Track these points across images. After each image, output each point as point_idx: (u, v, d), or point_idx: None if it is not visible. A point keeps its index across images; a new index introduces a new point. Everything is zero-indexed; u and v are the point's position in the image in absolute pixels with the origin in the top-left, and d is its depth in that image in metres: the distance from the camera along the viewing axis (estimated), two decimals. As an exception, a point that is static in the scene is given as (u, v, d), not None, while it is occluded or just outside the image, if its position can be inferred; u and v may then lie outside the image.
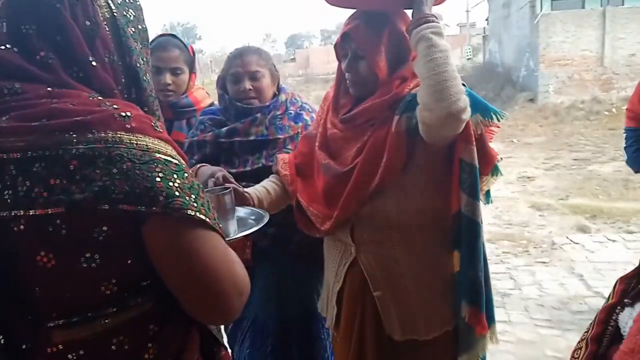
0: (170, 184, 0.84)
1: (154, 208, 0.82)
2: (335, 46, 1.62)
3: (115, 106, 0.86)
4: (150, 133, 0.87)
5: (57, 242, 0.82)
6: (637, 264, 0.99)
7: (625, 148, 2.98)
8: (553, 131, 12.98)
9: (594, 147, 10.73)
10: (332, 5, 1.55)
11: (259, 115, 1.93)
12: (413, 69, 1.47)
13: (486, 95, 17.48)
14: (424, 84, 1.37)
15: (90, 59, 0.90)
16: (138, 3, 1.02)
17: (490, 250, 5.03)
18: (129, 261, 0.87)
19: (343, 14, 1.60)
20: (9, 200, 0.80)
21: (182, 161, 0.91)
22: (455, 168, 1.52)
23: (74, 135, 0.80)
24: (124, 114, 0.85)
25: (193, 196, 0.86)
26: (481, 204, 1.57)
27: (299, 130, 1.96)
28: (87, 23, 0.91)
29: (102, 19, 0.94)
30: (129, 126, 0.85)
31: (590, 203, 6.64)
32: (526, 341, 3.27)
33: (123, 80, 0.96)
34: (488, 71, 20.50)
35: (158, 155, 0.85)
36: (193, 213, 0.85)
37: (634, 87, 2.98)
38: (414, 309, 1.60)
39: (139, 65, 0.98)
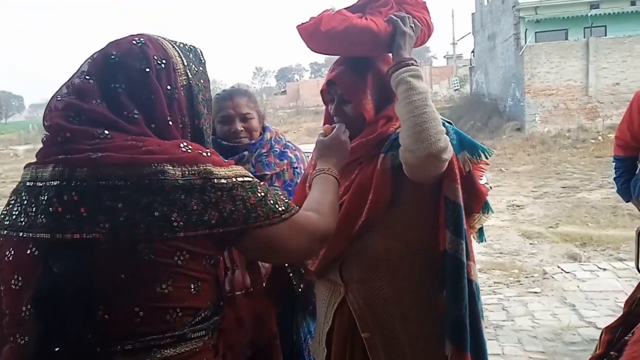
0: (262, 197, 1.02)
1: (254, 222, 1.00)
2: (322, 92, 1.62)
3: (190, 146, 0.99)
4: (224, 163, 1.01)
5: (140, 266, 0.90)
6: (628, 293, 0.96)
7: (615, 178, 2.99)
8: (541, 159, 13.13)
9: (582, 175, 10.84)
10: (315, 52, 1.57)
11: (246, 153, 1.94)
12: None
13: (474, 125, 17.72)
14: (404, 126, 1.39)
15: (168, 119, 1.02)
16: (207, 75, 1.16)
17: (482, 280, 4.98)
18: (192, 290, 0.97)
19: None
20: (106, 225, 0.88)
21: (250, 174, 1.05)
22: (441, 206, 1.52)
23: (171, 168, 0.92)
24: (204, 152, 0.99)
25: (271, 200, 1.04)
26: (474, 241, 1.55)
27: (285, 167, 1.98)
28: (168, 87, 1.04)
29: (180, 85, 1.07)
30: (211, 160, 0.98)
31: (580, 231, 6.66)
32: (520, 374, 3.21)
33: (189, 139, 1.07)
34: (475, 101, 20.82)
35: (239, 179, 1.00)
36: (281, 215, 1.04)
37: (619, 115, 3.03)
38: (403, 351, 1.56)
39: (204, 127, 1.11)
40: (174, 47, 1.10)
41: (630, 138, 2.79)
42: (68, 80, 1.03)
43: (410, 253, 1.55)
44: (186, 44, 1.14)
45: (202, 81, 1.13)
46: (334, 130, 1.52)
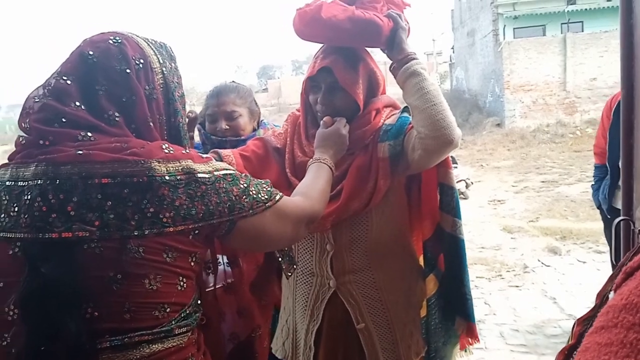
0: (244, 188, 1.04)
1: (239, 213, 1.01)
2: (307, 80, 1.60)
3: (171, 147, 1.00)
4: (203, 159, 1.02)
5: (129, 263, 0.90)
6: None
7: (592, 185, 3.11)
8: (521, 154, 13.29)
9: (561, 169, 11.00)
10: (305, 39, 1.56)
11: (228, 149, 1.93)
12: (382, 102, 1.61)
13: (455, 121, 17.86)
14: (423, 115, 1.42)
15: (149, 119, 1.03)
16: (179, 71, 1.16)
17: (464, 275, 5.03)
18: (179, 287, 0.98)
19: (314, 46, 1.63)
20: (95, 223, 0.88)
21: (231, 167, 1.07)
22: (432, 193, 1.63)
23: (157, 165, 0.93)
24: (184, 151, 1.01)
25: (254, 190, 1.06)
26: None
27: None
28: (147, 87, 1.04)
29: (157, 84, 1.07)
30: (191, 156, 1.00)
31: (560, 224, 6.75)
32: (503, 368, 3.24)
33: (166, 138, 1.09)
34: (456, 98, 20.97)
35: (220, 172, 1.01)
36: (265, 204, 1.06)
37: (596, 110, 3.12)
38: (394, 337, 1.61)
39: (181, 125, 1.12)
40: (148, 45, 1.09)
41: (605, 145, 2.85)
42: (45, 81, 1.01)
43: (395, 240, 1.62)
44: (157, 41, 1.14)
45: (175, 78, 1.13)
46: (336, 122, 1.54)
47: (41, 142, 0.93)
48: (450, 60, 25.60)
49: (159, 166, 0.94)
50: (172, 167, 0.95)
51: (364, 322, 1.59)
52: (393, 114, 1.62)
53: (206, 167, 1.00)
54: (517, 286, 4.62)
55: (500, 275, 4.95)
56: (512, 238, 6.36)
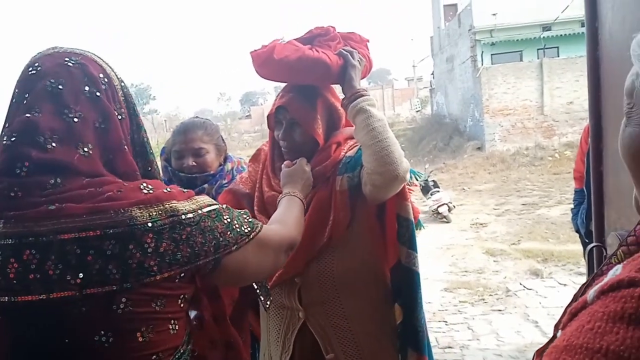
0: (228, 223, 0.99)
1: (224, 250, 0.97)
2: (269, 117, 1.67)
3: (150, 185, 0.93)
4: (186, 195, 0.97)
5: (119, 320, 0.85)
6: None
7: (571, 209, 3.18)
8: (501, 177, 13.45)
9: (541, 192, 11.14)
10: (264, 79, 1.62)
11: (206, 185, 1.92)
12: (343, 135, 1.64)
13: (436, 145, 18.08)
14: (369, 151, 1.46)
15: (123, 142, 0.96)
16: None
17: (448, 300, 5.04)
18: (171, 331, 0.94)
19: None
20: (77, 280, 0.81)
21: (213, 200, 1.02)
22: (391, 223, 1.63)
23: (138, 211, 0.86)
24: (166, 190, 0.94)
25: (237, 223, 1.01)
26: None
27: None
28: (116, 107, 0.97)
29: (122, 100, 0.99)
30: (174, 196, 0.93)
31: (541, 247, 6.82)
32: (487, 394, 3.23)
33: (136, 157, 1.01)
34: (437, 122, 21.27)
35: (204, 210, 0.96)
36: (248, 236, 1.02)
37: (574, 133, 3.20)
38: None
39: (146, 139, 1.05)
40: (100, 58, 1.00)
41: (584, 170, 2.91)
42: (7, 118, 0.92)
43: (365, 270, 1.63)
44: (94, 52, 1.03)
45: (127, 89, 1.04)
46: (298, 162, 1.58)
47: (10, 194, 0.85)
48: (431, 86, 26.01)
49: (141, 212, 0.86)
50: (155, 211, 0.88)
51: (333, 352, 1.59)
52: (355, 146, 1.64)
53: (190, 205, 0.94)
54: (499, 310, 4.64)
55: (483, 299, 4.96)
56: (494, 261, 6.40)
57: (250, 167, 1.79)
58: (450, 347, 3.91)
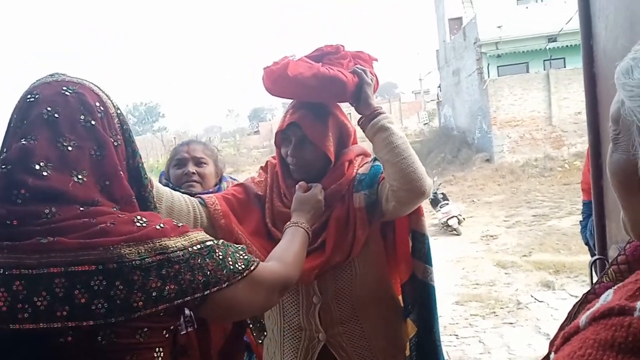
0: (220, 259, 0.99)
1: (214, 287, 0.96)
2: (277, 134, 1.65)
3: (144, 219, 0.94)
4: (178, 230, 0.97)
5: (103, 350, 0.86)
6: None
7: (580, 221, 3.20)
8: (511, 189, 13.39)
9: (551, 203, 11.08)
10: (274, 95, 1.61)
11: None
12: (354, 152, 1.64)
13: (445, 158, 18.04)
14: (394, 168, 1.47)
15: (119, 169, 0.98)
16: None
17: (459, 313, 5.03)
18: (156, 356, 0.95)
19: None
20: (63, 313, 0.83)
21: (208, 236, 1.01)
22: (403, 238, 1.65)
23: (127, 250, 0.87)
24: (158, 226, 0.94)
25: (231, 260, 1.01)
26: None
27: None
28: (112, 135, 0.99)
29: (117, 128, 1.02)
30: (166, 232, 0.94)
31: (553, 258, 6.77)
32: (499, 407, 3.22)
33: (131, 182, 1.03)
34: (444, 135, 21.24)
35: (195, 247, 0.96)
36: (241, 273, 1.01)
37: (583, 143, 3.22)
38: None
39: (140, 165, 1.07)
40: (97, 87, 1.03)
41: (591, 181, 2.93)
42: (4, 143, 0.95)
43: (380, 287, 1.65)
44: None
45: (123, 116, 1.06)
46: (313, 188, 1.57)
47: (6, 222, 0.87)
48: (438, 99, 26.05)
49: (129, 250, 0.88)
50: (144, 249, 0.89)
51: None
52: (365, 163, 1.66)
53: (181, 241, 0.95)
54: (511, 323, 4.62)
55: (494, 312, 4.95)
56: (505, 273, 6.37)
57: (262, 175, 1.76)
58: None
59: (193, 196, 1.66)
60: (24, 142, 0.90)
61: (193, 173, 2.01)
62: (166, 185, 2.00)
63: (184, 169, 2.01)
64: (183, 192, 1.87)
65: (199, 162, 2.03)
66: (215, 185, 2.08)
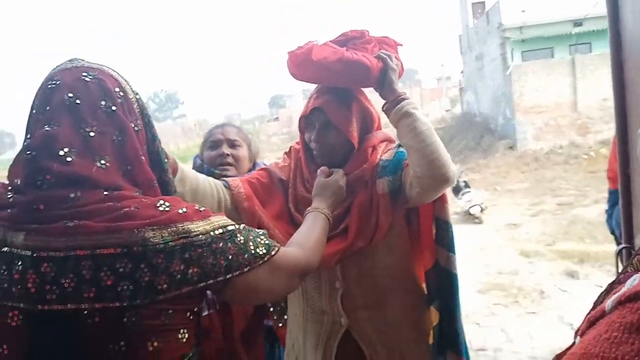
0: (242, 244, 1.00)
1: (236, 271, 0.98)
2: (301, 119, 1.65)
3: (167, 203, 0.96)
4: (200, 215, 0.98)
5: (129, 331, 0.89)
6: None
7: (606, 210, 3.13)
8: (535, 177, 13.21)
9: (576, 191, 10.90)
10: (299, 80, 1.61)
11: None
12: (378, 138, 1.63)
13: (467, 145, 17.86)
14: (418, 154, 1.45)
15: (140, 154, 1.00)
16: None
17: (481, 302, 5.00)
18: (180, 339, 0.97)
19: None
20: (90, 295, 0.86)
21: (229, 220, 1.02)
22: (427, 225, 1.65)
23: (152, 233, 0.89)
24: (181, 210, 0.96)
25: (252, 245, 1.02)
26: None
27: None
28: (132, 120, 1.00)
29: (137, 112, 1.03)
30: (188, 217, 0.95)
31: (577, 247, 6.68)
32: (521, 397, 3.20)
33: (152, 166, 1.04)
34: (467, 121, 21.00)
35: (217, 232, 0.97)
36: (262, 258, 1.03)
37: (609, 130, 3.15)
38: None
39: (160, 149, 1.09)
40: (116, 72, 1.04)
41: (618, 169, 2.87)
42: (28, 130, 0.97)
43: (403, 273, 1.65)
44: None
45: (142, 101, 1.07)
46: (335, 173, 1.56)
47: (34, 207, 0.89)
48: (460, 85, 25.72)
49: (154, 234, 0.90)
50: (168, 233, 0.91)
51: (378, 359, 1.60)
52: (389, 149, 1.64)
53: (203, 225, 0.96)
54: (534, 312, 4.58)
55: (517, 302, 4.90)
56: (529, 262, 6.30)
57: (286, 160, 1.77)
58: (483, 350, 3.88)
59: (218, 179, 1.66)
60: (47, 129, 0.92)
61: (227, 155, 2.02)
62: (200, 166, 2.04)
63: (218, 150, 2.03)
64: (218, 174, 1.92)
65: (233, 145, 2.05)
66: (249, 170, 2.07)
